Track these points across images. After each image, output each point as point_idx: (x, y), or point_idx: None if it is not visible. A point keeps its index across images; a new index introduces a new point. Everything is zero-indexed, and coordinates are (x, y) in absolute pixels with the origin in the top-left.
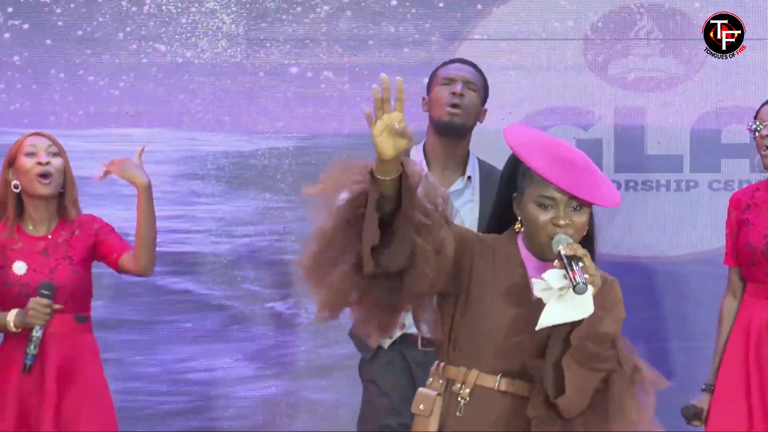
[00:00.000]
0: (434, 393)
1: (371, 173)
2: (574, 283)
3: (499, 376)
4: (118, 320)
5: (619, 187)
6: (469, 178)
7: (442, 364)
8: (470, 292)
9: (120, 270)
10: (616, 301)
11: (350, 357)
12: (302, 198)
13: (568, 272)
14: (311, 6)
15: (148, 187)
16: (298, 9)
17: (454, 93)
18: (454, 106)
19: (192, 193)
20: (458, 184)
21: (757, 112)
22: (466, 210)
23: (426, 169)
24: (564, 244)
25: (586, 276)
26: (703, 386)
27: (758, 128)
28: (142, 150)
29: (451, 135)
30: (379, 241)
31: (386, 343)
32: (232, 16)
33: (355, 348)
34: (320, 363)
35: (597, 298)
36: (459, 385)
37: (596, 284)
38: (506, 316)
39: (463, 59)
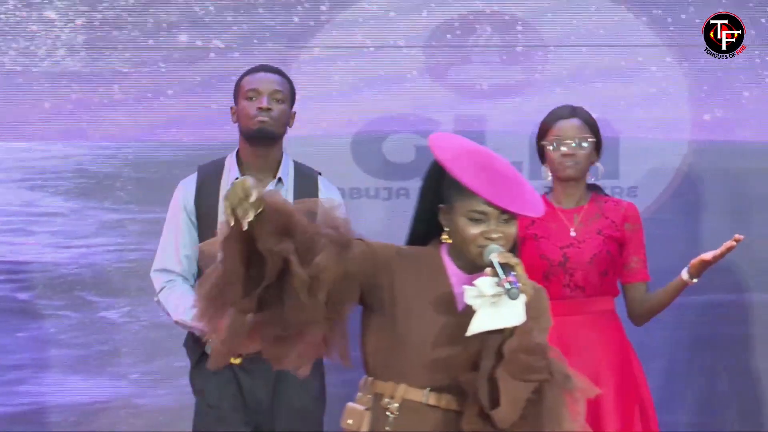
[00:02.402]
0: (363, 408)
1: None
2: (508, 288)
3: (427, 390)
4: None
5: None
6: (280, 180)
7: (371, 378)
8: (395, 307)
9: None
10: (542, 310)
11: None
12: (142, 207)
13: (500, 279)
14: (150, 14)
15: None
16: (137, 18)
17: (260, 108)
18: (262, 117)
19: (31, 203)
20: (270, 186)
21: (548, 130)
22: None
23: (239, 174)
24: (496, 253)
25: (519, 284)
26: None
27: (553, 147)
28: None
29: (263, 142)
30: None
31: (210, 349)
32: (71, 24)
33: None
34: (154, 370)
35: (526, 307)
36: (387, 400)
37: (529, 293)
38: (433, 329)
39: (266, 66)
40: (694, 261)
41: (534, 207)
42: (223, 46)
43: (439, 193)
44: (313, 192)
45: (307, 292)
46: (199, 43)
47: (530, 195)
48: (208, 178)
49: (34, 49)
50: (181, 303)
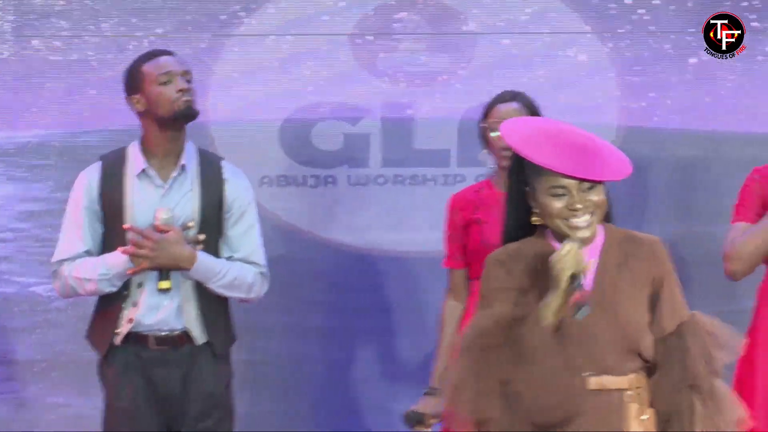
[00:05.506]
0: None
1: None
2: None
3: (587, 375)
4: None
5: (386, 182)
6: (183, 166)
7: None
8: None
9: None
10: (665, 260)
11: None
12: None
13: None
14: (78, 2)
15: None
16: (65, 5)
17: (181, 90)
18: (186, 97)
19: None
20: (174, 173)
21: (489, 112)
22: (186, 199)
23: (146, 163)
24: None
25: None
26: (426, 390)
27: (494, 129)
28: None
29: (181, 124)
30: None
31: (117, 339)
32: None
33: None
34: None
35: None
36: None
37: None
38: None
39: (163, 51)
40: None
41: (616, 171)
42: (153, 35)
43: (523, 179)
44: (218, 177)
45: None
46: (123, 29)
47: (613, 159)
48: (111, 168)
49: None
50: (92, 262)
